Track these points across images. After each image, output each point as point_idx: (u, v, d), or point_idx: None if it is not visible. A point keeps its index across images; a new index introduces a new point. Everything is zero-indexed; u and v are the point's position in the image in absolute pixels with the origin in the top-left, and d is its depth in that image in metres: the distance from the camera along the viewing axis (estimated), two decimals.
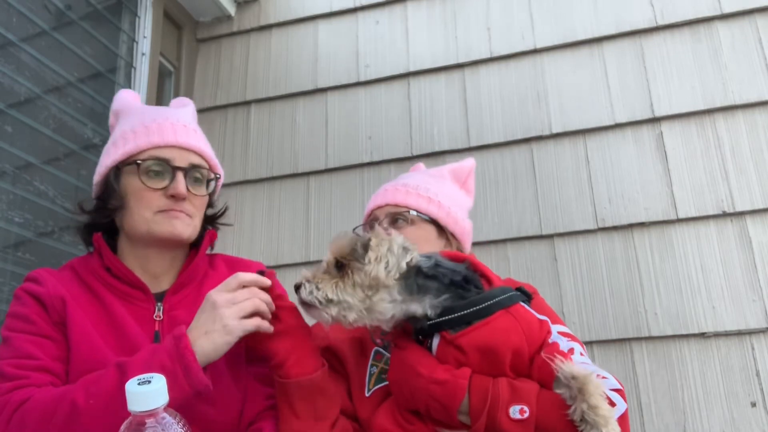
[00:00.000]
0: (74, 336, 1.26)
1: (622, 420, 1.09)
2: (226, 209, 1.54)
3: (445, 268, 1.21)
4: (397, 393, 1.21)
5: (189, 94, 2.80)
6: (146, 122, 1.38)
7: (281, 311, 1.27)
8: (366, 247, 1.20)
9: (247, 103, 2.77)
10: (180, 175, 1.34)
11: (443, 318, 1.16)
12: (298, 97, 2.72)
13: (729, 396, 1.98)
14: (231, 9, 2.87)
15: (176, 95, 2.74)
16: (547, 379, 1.11)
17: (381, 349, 1.42)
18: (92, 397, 1.11)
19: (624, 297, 2.14)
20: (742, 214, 2.12)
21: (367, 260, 1.17)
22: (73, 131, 2.22)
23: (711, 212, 2.14)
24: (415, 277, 1.20)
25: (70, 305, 1.28)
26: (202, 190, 1.41)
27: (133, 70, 2.49)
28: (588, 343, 2.10)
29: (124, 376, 1.10)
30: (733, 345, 2.01)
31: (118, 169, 1.36)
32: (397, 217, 1.55)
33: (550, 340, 1.17)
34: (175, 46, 2.79)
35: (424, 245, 1.54)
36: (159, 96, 2.66)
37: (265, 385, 1.36)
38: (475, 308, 1.16)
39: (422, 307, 1.19)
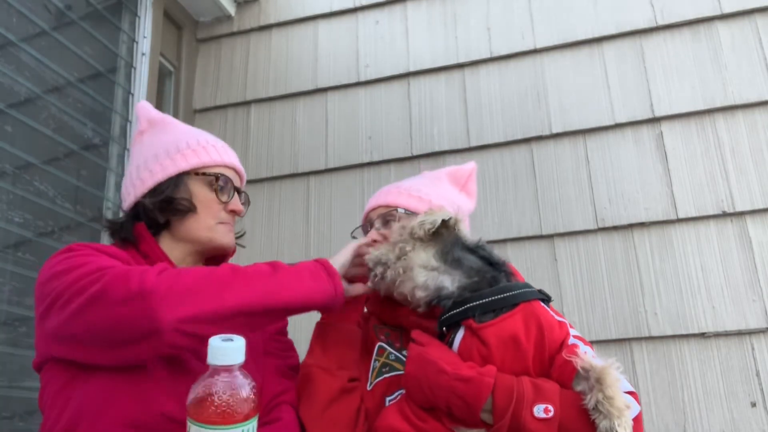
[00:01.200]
0: None
1: (637, 422, 1.09)
2: (243, 233, 1.62)
3: (485, 249, 1.26)
4: (413, 389, 1.20)
5: (189, 94, 2.81)
6: (210, 141, 1.50)
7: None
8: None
9: (247, 103, 2.78)
10: (237, 195, 1.51)
11: (472, 303, 1.18)
12: (298, 97, 2.72)
13: (729, 396, 1.98)
14: (231, 9, 2.87)
15: (176, 95, 2.74)
16: (567, 380, 1.12)
17: (384, 345, 1.44)
18: (246, 269, 1.22)
19: (624, 297, 2.14)
20: (742, 214, 2.12)
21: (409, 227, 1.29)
22: (73, 131, 2.22)
23: (711, 212, 2.14)
24: (453, 248, 1.25)
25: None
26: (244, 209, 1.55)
27: (133, 70, 2.49)
28: None
29: (275, 269, 1.24)
30: (733, 345, 2.01)
31: (187, 175, 1.44)
32: (388, 218, 1.56)
33: (569, 342, 1.18)
34: (175, 46, 2.80)
35: None
36: (159, 96, 2.66)
37: (281, 376, 1.42)
38: (502, 295, 1.17)
39: (452, 281, 1.21)
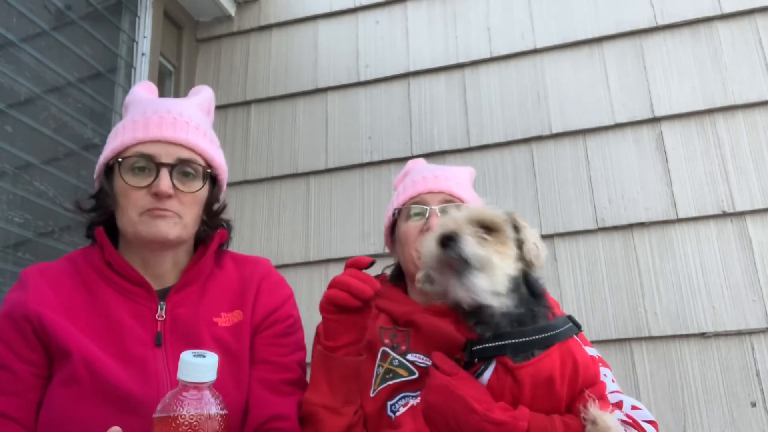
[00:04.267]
0: (63, 343, 1.23)
1: None
2: (224, 206, 1.48)
3: (541, 281, 1.21)
4: (436, 419, 1.15)
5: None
6: (136, 116, 1.33)
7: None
8: (515, 225, 1.19)
9: (247, 103, 2.77)
10: (164, 172, 1.27)
11: (511, 340, 1.12)
12: (298, 97, 2.72)
13: (729, 396, 1.98)
14: (231, 9, 2.87)
15: (176, 95, 2.74)
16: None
17: (388, 350, 1.41)
18: None
19: (624, 297, 2.14)
20: (742, 214, 2.12)
21: (523, 238, 1.17)
22: (73, 131, 2.22)
23: (711, 212, 2.14)
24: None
25: (47, 319, 1.24)
26: (194, 186, 1.32)
27: (133, 70, 2.49)
28: None
29: None
30: (733, 345, 2.01)
31: (109, 167, 1.33)
32: (452, 208, 1.45)
33: (601, 377, 1.17)
34: (175, 46, 2.79)
35: None
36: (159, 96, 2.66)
37: (275, 394, 1.33)
38: (543, 335, 1.13)
39: (500, 304, 1.14)
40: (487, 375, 1.13)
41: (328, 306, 1.34)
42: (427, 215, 1.47)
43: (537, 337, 1.12)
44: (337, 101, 2.66)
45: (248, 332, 1.36)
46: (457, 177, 1.55)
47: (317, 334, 1.40)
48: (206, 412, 0.92)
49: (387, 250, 1.67)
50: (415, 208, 1.50)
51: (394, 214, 1.56)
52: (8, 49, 1.99)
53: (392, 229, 1.59)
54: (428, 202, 1.49)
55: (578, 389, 1.12)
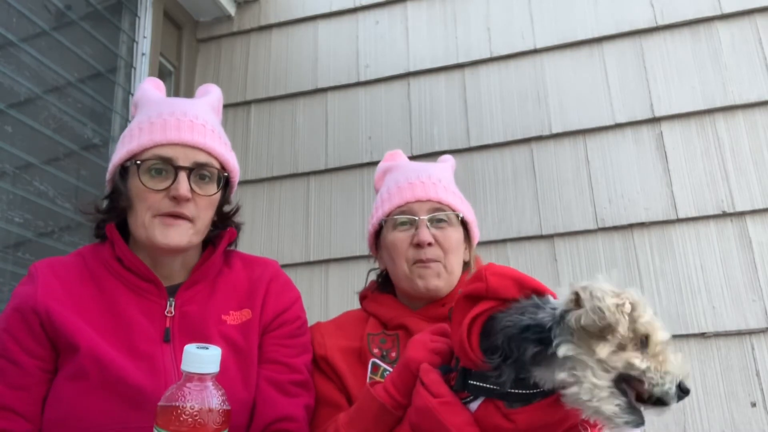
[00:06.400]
0: (71, 337, 1.23)
1: None
2: (238, 208, 1.48)
3: None
4: None
5: (189, 94, 2.80)
6: (152, 118, 1.33)
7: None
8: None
9: (247, 103, 2.77)
10: (182, 176, 1.28)
11: (512, 391, 1.04)
12: (298, 97, 2.72)
13: (729, 396, 1.98)
14: (231, 9, 2.87)
15: (176, 95, 2.74)
16: None
17: (377, 361, 1.39)
18: None
19: None
20: (742, 214, 2.12)
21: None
22: (73, 131, 2.22)
23: (711, 212, 2.14)
24: None
25: (56, 313, 1.24)
26: (210, 189, 1.33)
27: (133, 70, 2.49)
28: None
29: None
30: (733, 345, 2.01)
31: (124, 168, 1.33)
32: (441, 218, 1.46)
33: None
34: (175, 46, 2.80)
35: (459, 249, 1.50)
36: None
37: (282, 394, 1.32)
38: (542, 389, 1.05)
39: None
40: (474, 405, 1.08)
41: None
42: (416, 225, 1.45)
43: (537, 390, 1.05)
44: (337, 101, 2.66)
45: (257, 331, 1.36)
46: (442, 179, 1.52)
47: (374, 385, 1.28)
48: (208, 404, 0.93)
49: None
50: (402, 218, 1.47)
51: (380, 223, 1.52)
52: (8, 49, 1.99)
53: (377, 234, 1.55)
54: (416, 211, 1.46)
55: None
